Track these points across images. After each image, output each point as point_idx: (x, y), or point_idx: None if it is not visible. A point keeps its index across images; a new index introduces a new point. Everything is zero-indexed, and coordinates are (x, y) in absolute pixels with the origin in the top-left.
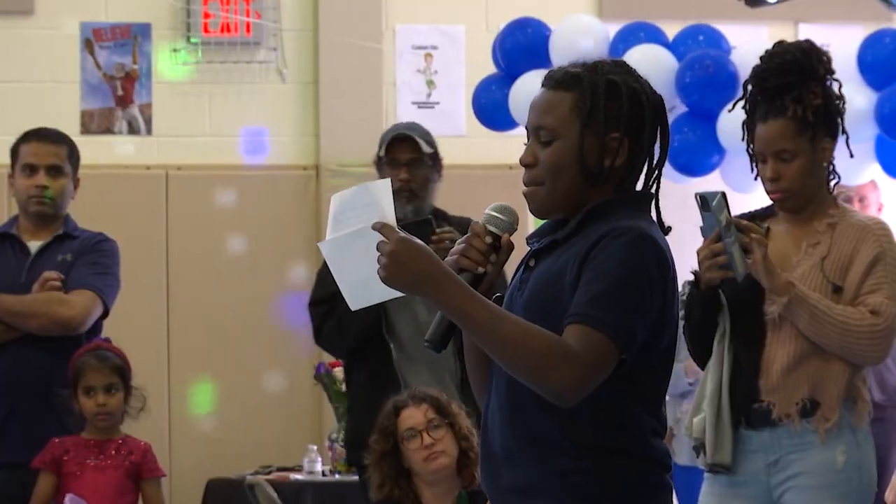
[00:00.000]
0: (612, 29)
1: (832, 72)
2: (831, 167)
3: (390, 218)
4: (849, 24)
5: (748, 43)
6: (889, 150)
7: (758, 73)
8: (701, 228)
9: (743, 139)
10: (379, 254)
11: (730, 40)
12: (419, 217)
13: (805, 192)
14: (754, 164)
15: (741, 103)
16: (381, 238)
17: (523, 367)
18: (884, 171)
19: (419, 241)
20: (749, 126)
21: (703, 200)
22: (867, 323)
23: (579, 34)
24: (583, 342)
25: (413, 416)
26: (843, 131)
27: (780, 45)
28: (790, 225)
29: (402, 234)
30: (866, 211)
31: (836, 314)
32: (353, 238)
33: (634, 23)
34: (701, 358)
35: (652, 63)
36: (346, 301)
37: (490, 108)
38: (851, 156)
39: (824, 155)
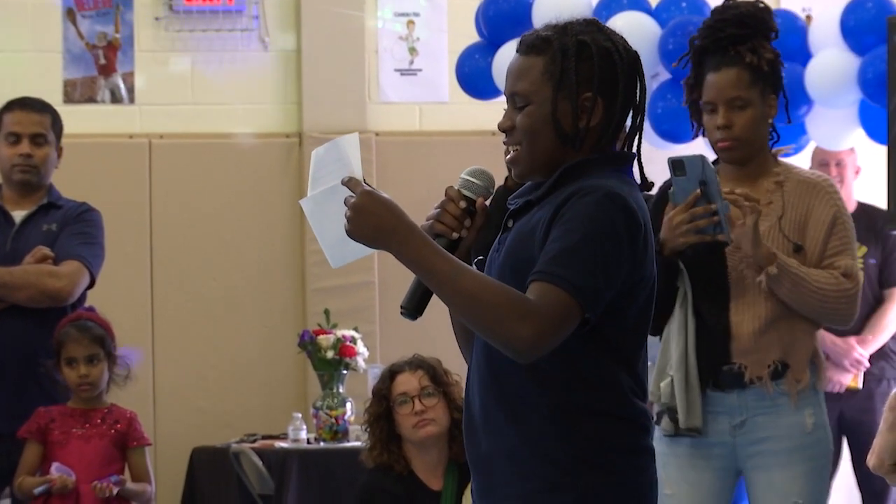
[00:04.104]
0: None
1: (778, 32)
2: (773, 126)
3: (357, 172)
4: None
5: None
6: (873, 116)
7: (711, 24)
8: (671, 193)
9: (682, 97)
10: (346, 208)
11: (712, 7)
12: None
13: (754, 143)
14: (695, 120)
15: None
16: (351, 193)
17: (481, 320)
18: (868, 137)
19: (385, 194)
20: (695, 80)
21: (677, 165)
22: (842, 287)
23: (562, 1)
24: (543, 298)
25: (407, 381)
26: (783, 93)
27: (732, 0)
28: (735, 184)
29: (368, 187)
30: (844, 174)
31: (814, 280)
32: (328, 195)
33: None
34: (657, 324)
35: (635, 30)
36: (328, 260)
37: (473, 76)
38: (789, 122)
39: (770, 112)
